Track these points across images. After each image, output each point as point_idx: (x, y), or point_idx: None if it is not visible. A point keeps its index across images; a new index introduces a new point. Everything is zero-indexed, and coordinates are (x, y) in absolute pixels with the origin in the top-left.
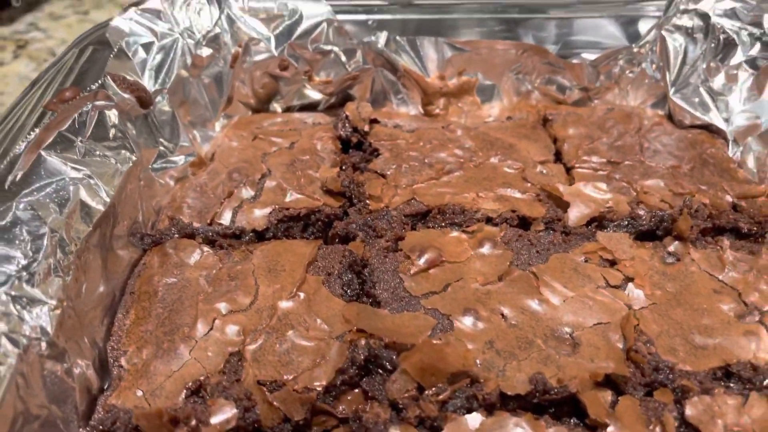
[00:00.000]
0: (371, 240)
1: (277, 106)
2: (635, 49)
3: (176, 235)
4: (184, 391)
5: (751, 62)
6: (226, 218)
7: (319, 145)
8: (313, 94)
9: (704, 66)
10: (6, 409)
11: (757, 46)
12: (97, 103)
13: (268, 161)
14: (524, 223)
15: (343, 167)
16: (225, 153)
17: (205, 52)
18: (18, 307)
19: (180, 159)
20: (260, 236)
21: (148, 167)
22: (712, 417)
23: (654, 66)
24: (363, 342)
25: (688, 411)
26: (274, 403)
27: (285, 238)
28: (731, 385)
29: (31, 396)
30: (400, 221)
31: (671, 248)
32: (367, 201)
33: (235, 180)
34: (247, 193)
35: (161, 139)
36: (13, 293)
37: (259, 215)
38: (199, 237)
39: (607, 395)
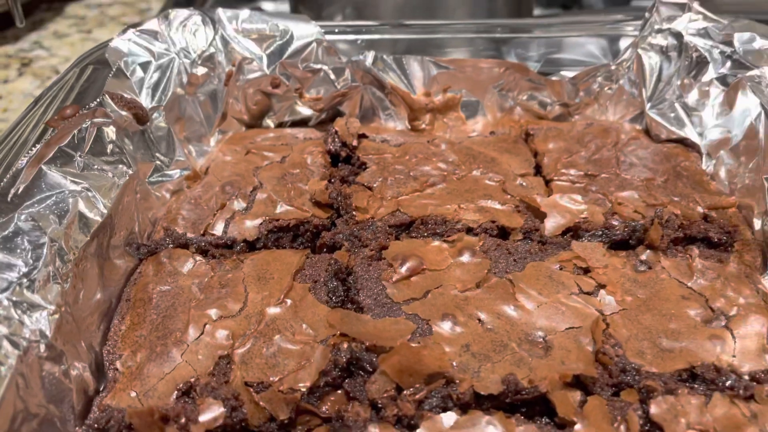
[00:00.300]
0: (356, 249)
1: (269, 122)
2: (613, 67)
3: (171, 245)
4: (175, 392)
5: (722, 79)
6: (218, 229)
7: (309, 159)
8: (304, 111)
9: (678, 83)
10: (6, 407)
11: (728, 63)
12: (96, 120)
13: (260, 175)
14: (503, 233)
15: (332, 180)
16: (219, 167)
17: (200, 70)
18: (19, 311)
19: (175, 173)
20: (251, 246)
21: (145, 180)
22: (675, 416)
23: (631, 83)
24: (345, 345)
25: (653, 410)
26: (261, 402)
27: (275, 248)
28: (695, 386)
29: (30, 396)
30: (384, 231)
31: (643, 257)
32: (354, 212)
33: (227, 193)
34: (239, 205)
35: (157, 154)
36: (14, 299)
37: (250, 226)
38: (192, 247)
39: (576, 395)
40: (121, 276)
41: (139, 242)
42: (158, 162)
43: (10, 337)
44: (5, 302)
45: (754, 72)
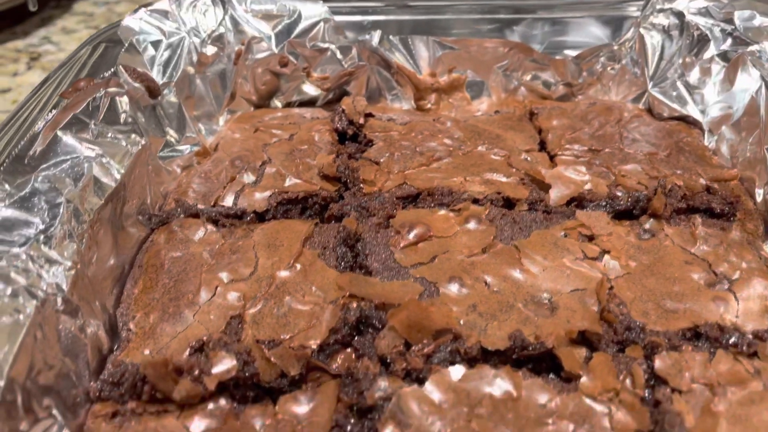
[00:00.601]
0: (364, 219)
1: (277, 102)
2: (615, 47)
3: (182, 215)
4: (188, 349)
5: (723, 55)
6: (228, 201)
7: (316, 137)
8: (312, 91)
9: (680, 61)
10: (25, 354)
11: (729, 41)
12: (110, 89)
13: (269, 151)
14: (509, 204)
15: (339, 155)
16: (228, 143)
17: (210, 50)
18: (36, 265)
19: (186, 148)
20: (260, 217)
21: (156, 155)
22: (679, 370)
23: (633, 62)
24: (355, 305)
25: (657, 364)
26: (272, 359)
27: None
28: (699, 344)
29: (47, 347)
30: (391, 202)
31: (647, 225)
32: (361, 185)
33: (237, 167)
34: (248, 178)
35: (168, 129)
36: (31, 253)
37: (260, 198)
38: (203, 217)
39: (582, 352)
40: (134, 244)
41: (151, 213)
42: (169, 137)
43: (28, 289)
44: (23, 256)
45: (755, 47)
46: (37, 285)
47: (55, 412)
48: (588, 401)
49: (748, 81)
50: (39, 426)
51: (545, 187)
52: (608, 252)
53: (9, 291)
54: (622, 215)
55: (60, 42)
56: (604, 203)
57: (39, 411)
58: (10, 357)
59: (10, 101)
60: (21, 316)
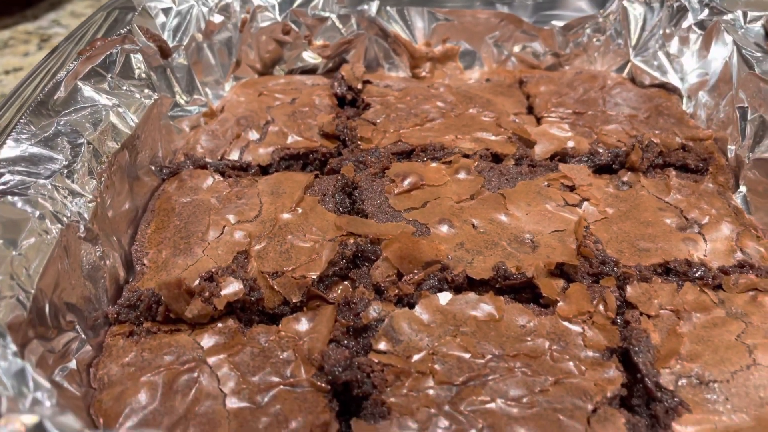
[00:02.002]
0: (361, 170)
1: (280, 71)
2: (600, 19)
3: (191, 167)
4: (198, 278)
5: (700, 24)
6: (234, 155)
7: (317, 101)
8: (312, 60)
9: (661, 32)
10: (52, 270)
11: (705, 11)
12: (125, 46)
13: (272, 112)
14: (497, 159)
15: (339, 117)
16: (233, 105)
17: (217, 18)
18: (61, 195)
19: (194, 109)
20: (264, 171)
21: (166, 114)
22: (649, 298)
23: (617, 33)
24: (352, 240)
25: (629, 292)
26: (275, 287)
27: None
28: (669, 278)
29: (71, 269)
30: (387, 157)
31: (625, 178)
32: (359, 142)
33: (242, 125)
34: (253, 135)
35: (178, 90)
36: (56, 184)
37: (264, 153)
38: (211, 168)
39: (560, 282)
40: (147, 191)
41: (162, 164)
42: (178, 98)
43: (54, 214)
44: (49, 186)
45: (729, 16)
46: (61, 212)
47: (78, 327)
48: (564, 323)
49: (722, 48)
50: (64, 336)
51: (531, 145)
52: (588, 200)
53: (37, 214)
54: (602, 170)
55: (69, 25)
56: (585, 158)
57: (64, 323)
58: (40, 269)
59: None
60: (48, 237)
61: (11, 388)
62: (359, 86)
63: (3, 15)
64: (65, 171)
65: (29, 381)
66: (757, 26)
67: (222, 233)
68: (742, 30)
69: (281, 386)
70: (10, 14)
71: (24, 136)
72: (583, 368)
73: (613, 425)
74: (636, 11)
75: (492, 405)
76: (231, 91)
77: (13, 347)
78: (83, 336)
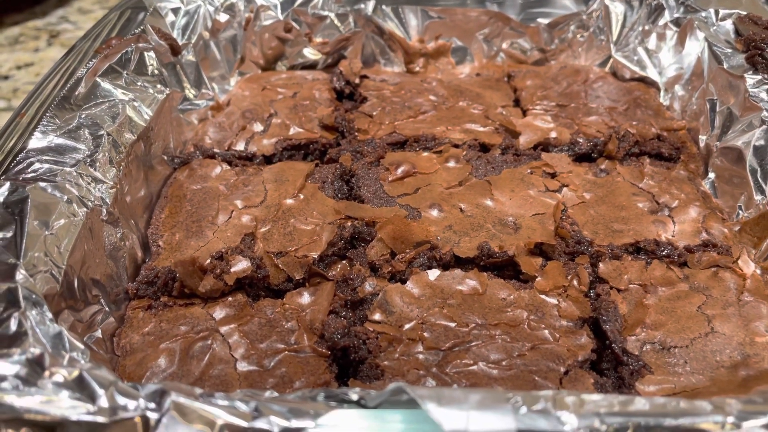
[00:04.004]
0: (358, 159)
1: (282, 66)
2: (584, 16)
3: (200, 157)
4: (209, 258)
5: (675, 22)
6: (240, 146)
7: (317, 94)
8: (312, 56)
9: (640, 29)
10: (80, 248)
11: (681, 9)
12: (139, 45)
13: (275, 105)
14: (484, 148)
15: (337, 110)
16: (239, 99)
17: (223, 17)
18: (85, 182)
19: (202, 103)
20: (268, 160)
21: (177, 107)
22: (619, 274)
23: (599, 30)
24: (349, 223)
25: (601, 268)
26: (280, 265)
27: None
28: (639, 257)
29: (95, 249)
30: (382, 147)
31: (602, 166)
32: (356, 134)
33: (247, 117)
34: (257, 127)
35: (186, 85)
36: (81, 172)
37: (267, 144)
38: (219, 158)
39: (538, 260)
40: (160, 179)
41: (173, 155)
42: (187, 92)
43: (80, 198)
44: (74, 173)
45: (702, 14)
46: (86, 197)
47: (102, 301)
48: (541, 296)
49: (695, 44)
50: (90, 308)
51: (516, 135)
52: (567, 186)
53: (65, 198)
54: (582, 158)
55: (77, 21)
56: (566, 148)
57: (90, 297)
58: (69, 247)
59: (33, 74)
60: (75, 219)
61: (51, 348)
62: (357, 81)
63: (12, 11)
64: (88, 160)
65: (66, 342)
66: (728, 23)
67: (230, 217)
68: (714, 27)
69: (286, 352)
70: (19, 10)
71: (50, 128)
72: (557, 336)
73: (582, 385)
74: (617, 9)
75: (474, 367)
76: (236, 85)
77: (49, 315)
78: (107, 309)
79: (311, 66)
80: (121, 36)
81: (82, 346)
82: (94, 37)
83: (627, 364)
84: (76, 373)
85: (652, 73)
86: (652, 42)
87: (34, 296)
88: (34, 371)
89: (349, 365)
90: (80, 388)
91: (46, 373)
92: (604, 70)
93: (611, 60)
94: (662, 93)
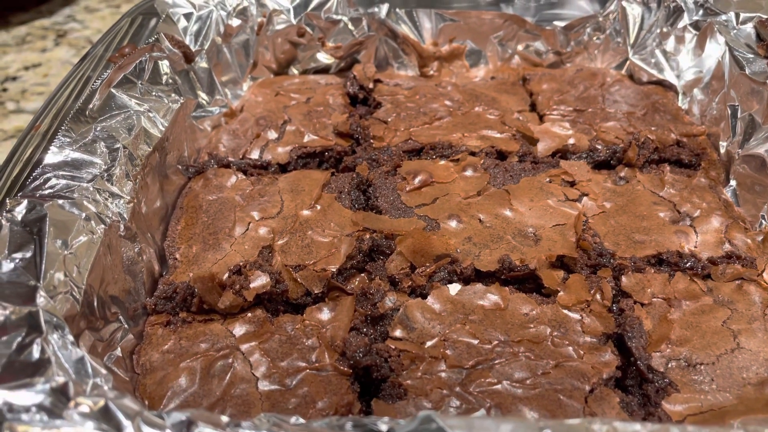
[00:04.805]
0: (374, 168)
1: (294, 70)
2: (600, 18)
3: (215, 166)
4: (228, 272)
5: (694, 25)
6: (254, 154)
7: (331, 100)
8: (325, 60)
9: (658, 31)
10: (98, 266)
11: (700, 11)
12: (153, 54)
13: (288, 111)
14: (502, 156)
15: (351, 116)
16: (252, 105)
17: (235, 22)
18: (102, 197)
19: (215, 109)
20: (283, 169)
21: (190, 115)
22: (642, 287)
23: (616, 32)
24: (368, 236)
25: (623, 282)
26: (298, 279)
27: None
28: (661, 268)
29: (113, 265)
30: (398, 155)
31: (622, 174)
32: (372, 141)
33: (261, 125)
34: (271, 135)
35: (200, 92)
36: (98, 187)
37: (282, 152)
38: (233, 167)
39: (560, 273)
40: (175, 189)
41: (188, 164)
42: (201, 99)
43: (98, 215)
44: (91, 189)
45: (722, 17)
46: (104, 213)
47: (121, 318)
48: (564, 311)
49: (715, 47)
50: (110, 326)
51: (534, 142)
52: (587, 195)
53: (83, 216)
54: (601, 166)
55: (84, 20)
56: (585, 155)
57: (109, 315)
58: (88, 266)
59: (41, 75)
60: (94, 236)
61: (74, 375)
62: (370, 85)
63: (18, 11)
64: (105, 174)
65: (88, 368)
66: (749, 27)
67: (247, 229)
68: (735, 31)
69: (308, 370)
70: (25, 10)
71: (66, 142)
72: (582, 352)
73: (608, 404)
74: (634, 11)
75: (498, 386)
76: (249, 90)
77: (71, 337)
78: (126, 326)
79: (324, 70)
80: (134, 43)
81: (104, 371)
82: (107, 45)
83: (652, 381)
84: (101, 403)
85: (669, 77)
86: (670, 44)
87: (55, 319)
88: (59, 401)
89: (370, 383)
90: (106, 419)
91: (72, 403)
92: (620, 73)
93: (628, 63)
94: (680, 97)
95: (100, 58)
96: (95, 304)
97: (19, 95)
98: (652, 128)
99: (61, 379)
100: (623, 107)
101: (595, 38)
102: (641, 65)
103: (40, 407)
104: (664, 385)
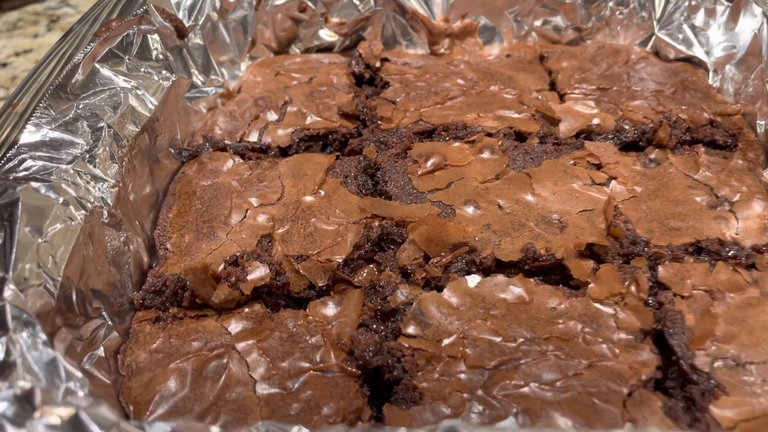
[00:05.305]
0: (383, 151)
1: (296, 49)
2: None
3: (210, 149)
4: (223, 263)
5: None
6: (253, 137)
7: (335, 80)
8: (329, 38)
9: (686, 4)
10: (77, 257)
11: None
12: (141, 27)
13: (289, 92)
14: (521, 137)
15: (357, 96)
16: (250, 86)
17: None
18: (83, 180)
19: (211, 90)
20: (284, 152)
21: (184, 95)
22: (681, 278)
23: (641, 6)
24: (376, 223)
25: (661, 272)
26: (301, 271)
27: None
28: (700, 257)
29: (96, 255)
30: (408, 136)
31: (652, 155)
32: (379, 122)
33: (260, 106)
34: (271, 116)
35: (194, 71)
36: (78, 169)
37: (283, 134)
38: (230, 150)
39: (590, 263)
40: (167, 174)
41: (181, 147)
42: (195, 79)
43: (78, 200)
44: (71, 171)
45: None
46: (85, 197)
47: (104, 314)
48: (595, 304)
49: (750, 20)
50: (91, 323)
51: (555, 123)
52: (615, 178)
53: (61, 200)
54: (628, 147)
55: (78, 5)
56: (611, 136)
57: (90, 310)
58: (65, 256)
59: (33, 61)
60: (73, 223)
61: (44, 379)
62: (377, 64)
63: None
64: (87, 156)
65: (61, 371)
66: None
67: (245, 216)
68: None
69: (311, 371)
70: None
71: (44, 120)
72: (617, 351)
73: (649, 408)
74: None
75: (526, 389)
76: (247, 70)
77: (43, 336)
78: (110, 322)
79: (327, 49)
80: (122, 17)
81: (80, 374)
82: (93, 20)
83: (697, 383)
84: (71, 411)
85: (698, 53)
86: (699, 18)
87: (25, 316)
88: (23, 410)
89: (382, 386)
90: (76, 430)
91: (37, 413)
92: (645, 50)
93: (653, 38)
94: (711, 74)
95: (85, 34)
96: (74, 298)
97: (9, 82)
98: (683, 107)
99: (26, 385)
100: (650, 85)
101: (618, 13)
102: (668, 41)
103: (2, 416)
104: (711, 387)
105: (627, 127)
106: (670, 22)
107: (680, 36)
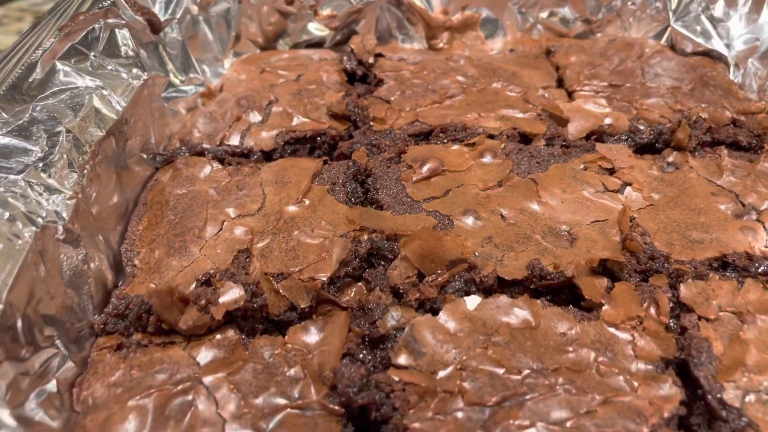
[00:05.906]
0: (375, 155)
1: (284, 45)
2: None
3: (187, 154)
4: (195, 282)
5: None
6: (234, 140)
7: (325, 77)
8: (319, 32)
9: None
10: (23, 282)
11: None
12: (109, 21)
13: (275, 90)
14: (525, 139)
15: (349, 95)
16: (233, 84)
17: None
18: (35, 192)
19: (190, 89)
20: (268, 157)
21: (159, 95)
22: (706, 298)
23: None
24: (365, 237)
25: (683, 292)
26: (281, 291)
27: None
28: (726, 273)
29: (49, 277)
30: (403, 139)
31: (670, 158)
32: (371, 123)
33: (242, 106)
34: (254, 117)
35: (171, 69)
36: (30, 180)
37: (267, 137)
38: (209, 155)
39: (603, 281)
40: (138, 182)
41: (155, 152)
42: (172, 77)
43: (27, 215)
44: (21, 183)
45: None
46: (35, 212)
47: (58, 342)
48: (610, 329)
49: None
50: (42, 354)
51: (563, 123)
52: (630, 184)
53: (6, 216)
54: (644, 149)
55: None
56: (625, 137)
57: (41, 339)
58: (9, 280)
59: None
60: (19, 242)
61: None
62: (371, 60)
63: None
64: (40, 164)
65: None
66: None
67: (221, 229)
68: None
69: (288, 409)
70: None
71: None
72: (635, 384)
73: None
74: None
75: (532, 430)
76: (231, 68)
77: None
78: (65, 351)
79: (318, 44)
80: (89, 11)
81: (13, 423)
82: (60, 13)
83: (726, 420)
84: None
85: (718, 46)
86: (719, 9)
87: None
88: None
89: (368, 426)
90: None
91: None
92: (660, 43)
93: (669, 31)
94: (732, 69)
95: (51, 29)
96: (19, 326)
97: None
98: (702, 105)
99: None
100: (666, 82)
101: (629, 3)
102: (685, 33)
103: None
104: (742, 426)
105: (642, 128)
106: (686, 13)
107: (698, 28)
